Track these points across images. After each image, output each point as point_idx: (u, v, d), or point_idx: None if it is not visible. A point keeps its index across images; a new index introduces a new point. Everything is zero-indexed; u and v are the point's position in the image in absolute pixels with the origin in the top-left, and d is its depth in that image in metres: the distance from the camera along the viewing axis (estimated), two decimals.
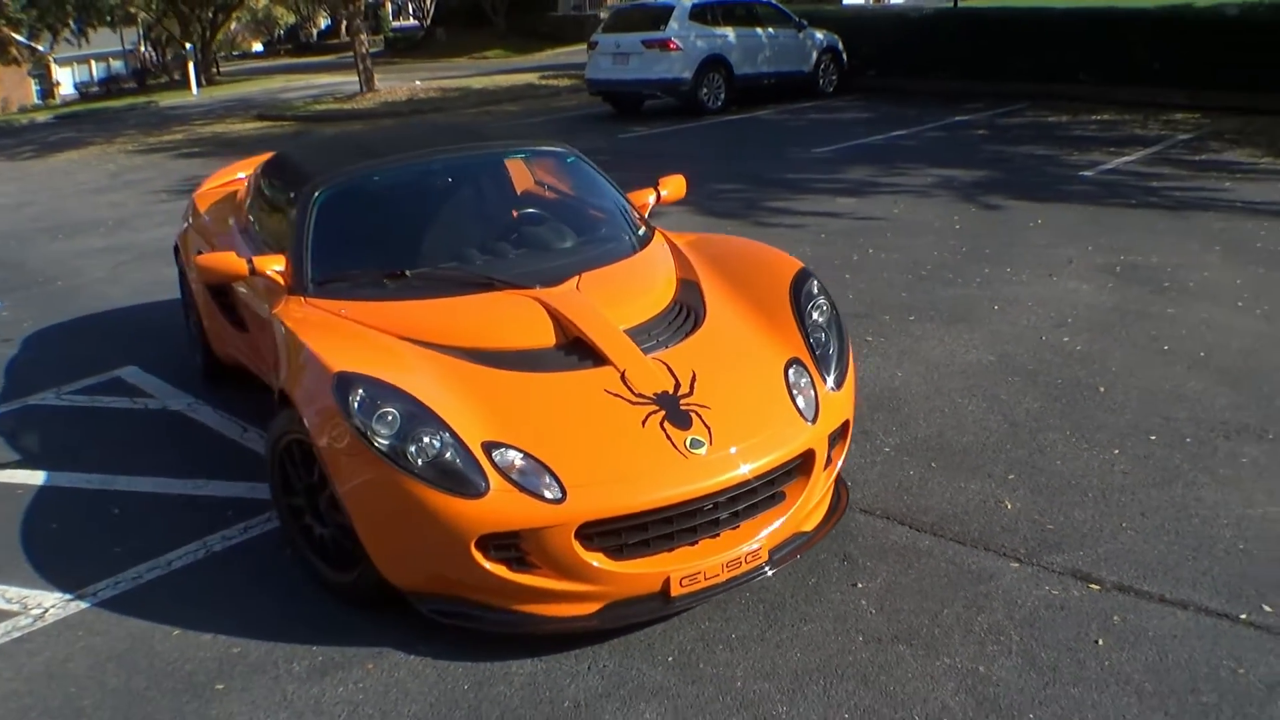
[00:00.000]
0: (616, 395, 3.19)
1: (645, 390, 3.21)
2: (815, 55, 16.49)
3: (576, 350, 3.37)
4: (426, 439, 2.95)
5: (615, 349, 3.34)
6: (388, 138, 5.02)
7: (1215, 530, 3.62)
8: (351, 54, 19.88)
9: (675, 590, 3.01)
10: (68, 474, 4.51)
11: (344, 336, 3.42)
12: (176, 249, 5.59)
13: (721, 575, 3.08)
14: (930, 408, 4.70)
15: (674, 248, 4.20)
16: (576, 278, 3.75)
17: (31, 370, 5.94)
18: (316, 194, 4.03)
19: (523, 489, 2.90)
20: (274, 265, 3.86)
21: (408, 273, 3.77)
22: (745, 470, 3.07)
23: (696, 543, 3.07)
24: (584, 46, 17.34)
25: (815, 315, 3.68)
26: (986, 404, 4.71)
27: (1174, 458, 4.15)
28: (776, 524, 3.21)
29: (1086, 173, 9.71)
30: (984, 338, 5.53)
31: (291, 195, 4.21)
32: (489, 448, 2.97)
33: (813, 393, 3.40)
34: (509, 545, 2.93)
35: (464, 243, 4.11)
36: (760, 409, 3.29)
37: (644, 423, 3.10)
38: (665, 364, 3.33)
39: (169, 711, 2.93)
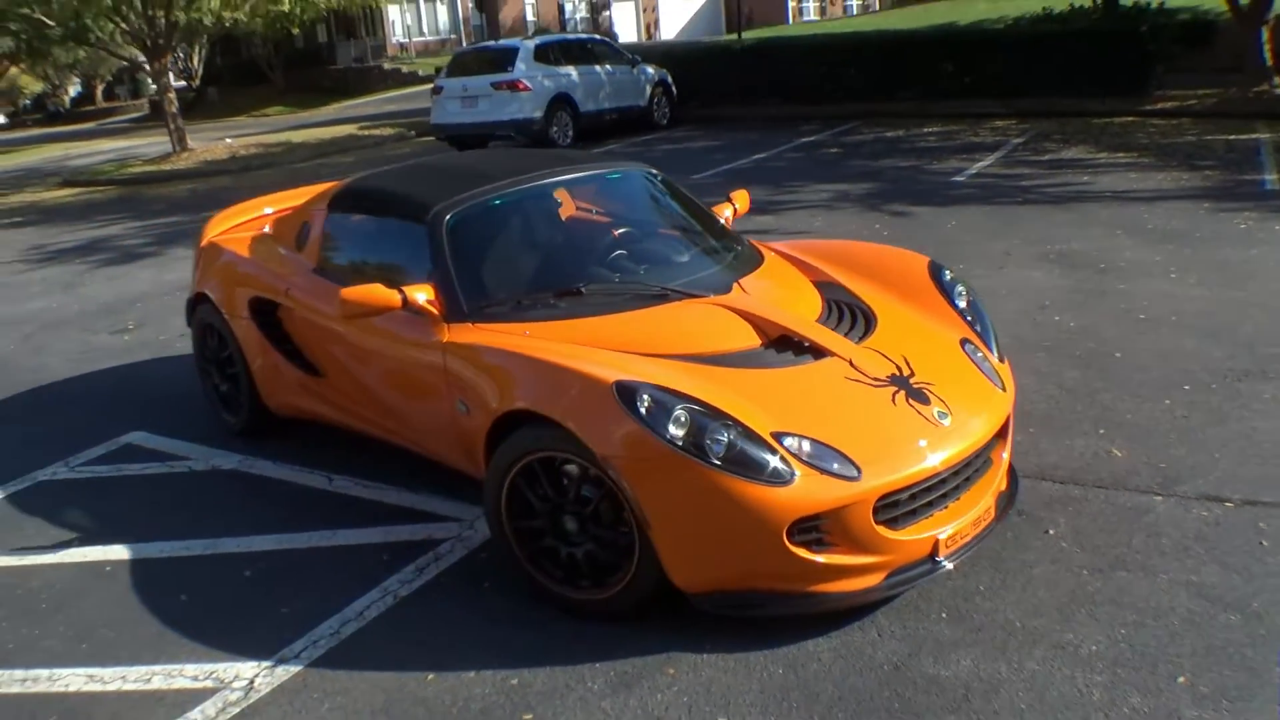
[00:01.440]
0: (857, 381, 3.35)
1: (878, 374, 3.38)
2: (649, 89, 17.13)
3: (788, 347, 3.49)
4: (722, 435, 3.00)
5: (830, 342, 3.50)
6: (470, 164, 4.94)
7: None
8: (115, 120, 18.76)
9: (942, 551, 3.20)
10: (153, 544, 4.15)
11: (575, 353, 3.39)
12: (196, 301, 5.24)
13: (970, 533, 3.29)
14: None
15: (782, 254, 4.39)
16: (737, 285, 3.88)
17: (15, 448, 5.37)
18: (448, 219, 3.95)
19: (824, 471, 3.01)
20: (421, 294, 3.77)
21: (583, 290, 3.79)
22: (981, 435, 3.32)
23: (947, 507, 3.27)
24: (371, 98, 17.25)
25: (959, 301, 3.98)
26: (1036, 378, 5.14)
27: (1212, 400, 4.70)
28: (995, 483, 3.47)
29: (958, 178, 10.61)
30: None
31: (406, 225, 4.11)
32: (778, 437, 3.07)
33: (989, 365, 3.69)
34: (811, 528, 3.02)
35: (592, 261, 4.13)
36: (967, 383, 3.54)
37: (893, 401, 3.28)
38: (878, 351, 3.52)
39: None
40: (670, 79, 17.70)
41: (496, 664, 3.17)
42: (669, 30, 43.65)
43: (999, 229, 8.26)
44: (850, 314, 3.80)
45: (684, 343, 3.48)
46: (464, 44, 37.73)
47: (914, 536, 3.14)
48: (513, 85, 14.69)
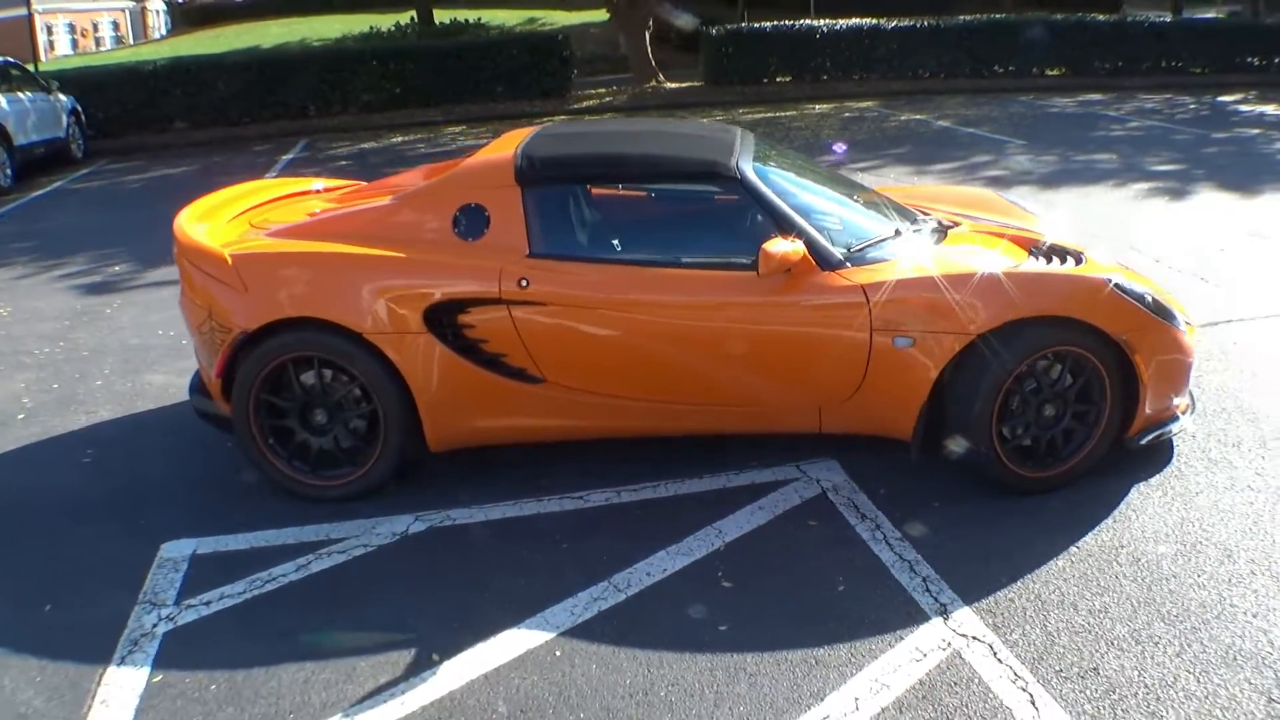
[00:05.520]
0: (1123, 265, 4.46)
1: (1109, 263, 4.51)
2: (65, 119, 14.79)
3: (1047, 254, 4.30)
4: (1164, 303, 3.98)
5: (1067, 243, 4.49)
6: (644, 130, 5.00)
7: None
8: None
9: None
10: (533, 621, 3.43)
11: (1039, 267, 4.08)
12: (256, 335, 4.06)
13: None
14: None
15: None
16: (961, 218, 4.69)
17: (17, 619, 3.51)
18: (752, 169, 4.11)
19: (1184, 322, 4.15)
20: (794, 245, 3.87)
21: (899, 231, 4.26)
22: None
23: None
24: None
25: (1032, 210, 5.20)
26: None
27: None
28: None
29: None
30: None
31: (680, 186, 4.52)
32: None
33: None
34: None
35: (849, 207, 4.49)
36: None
37: (1138, 276, 4.43)
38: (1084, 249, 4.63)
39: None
40: (79, 106, 15.39)
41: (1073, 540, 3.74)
42: None
43: None
44: (1022, 230, 4.73)
45: (1006, 258, 4.17)
46: None
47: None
48: None
